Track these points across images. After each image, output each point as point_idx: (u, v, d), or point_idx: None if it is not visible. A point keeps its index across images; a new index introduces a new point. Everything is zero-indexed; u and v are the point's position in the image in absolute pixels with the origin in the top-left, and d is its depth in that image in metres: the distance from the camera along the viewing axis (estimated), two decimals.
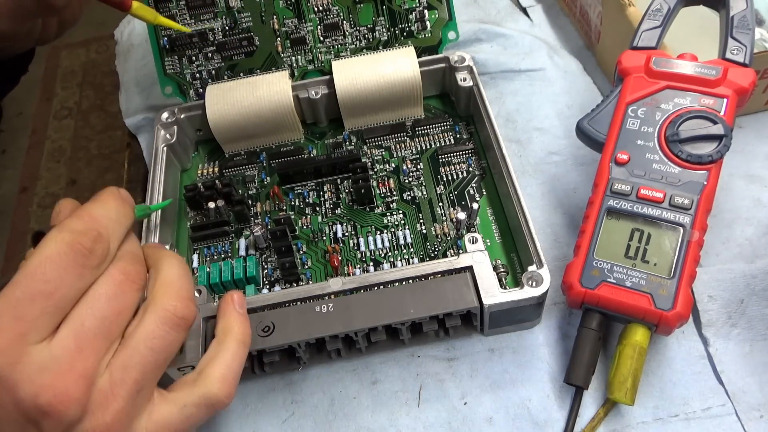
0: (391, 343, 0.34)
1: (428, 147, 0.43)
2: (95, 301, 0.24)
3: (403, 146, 0.43)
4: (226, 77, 0.45)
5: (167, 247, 0.36)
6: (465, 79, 0.42)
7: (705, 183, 0.31)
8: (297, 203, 0.41)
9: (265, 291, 0.37)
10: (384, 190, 0.41)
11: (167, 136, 0.42)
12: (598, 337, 0.31)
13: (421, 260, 0.37)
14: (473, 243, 0.34)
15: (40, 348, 0.23)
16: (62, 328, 0.23)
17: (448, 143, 0.43)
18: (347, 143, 0.44)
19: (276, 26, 0.44)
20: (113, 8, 0.37)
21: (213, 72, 0.44)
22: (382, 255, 0.38)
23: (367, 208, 0.40)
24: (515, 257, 0.36)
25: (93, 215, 0.25)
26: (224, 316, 0.30)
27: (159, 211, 0.37)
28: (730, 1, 0.35)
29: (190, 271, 0.38)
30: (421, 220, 0.39)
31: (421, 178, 0.41)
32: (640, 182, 0.32)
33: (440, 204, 0.40)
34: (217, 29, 0.44)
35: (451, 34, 0.44)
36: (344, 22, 0.44)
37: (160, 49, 0.44)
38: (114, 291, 0.24)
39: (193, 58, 0.44)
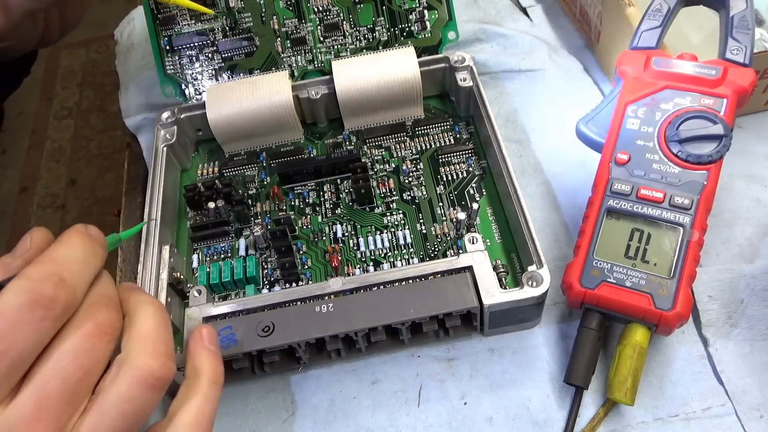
0: (391, 343, 0.34)
1: (428, 147, 0.43)
2: (61, 360, 0.22)
3: (403, 146, 0.43)
4: (226, 77, 0.45)
5: (166, 248, 0.36)
6: (465, 79, 0.42)
7: (705, 183, 0.31)
8: (297, 203, 0.41)
9: (265, 291, 0.37)
10: (384, 190, 0.41)
11: (167, 136, 0.42)
12: (598, 337, 0.31)
13: (421, 260, 0.37)
14: (473, 243, 0.34)
15: None
16: (22, 392, 0.21)
17: (448, 143, 0.43)
18: (347, 143, 0.44)
19: (276, 26, 0.44)
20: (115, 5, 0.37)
21: (213, 72, 0.44)
22: (382, 255, 0.38)
23: (367, 208, 0.40)
24: (515, 257, 0.36)
25: (55, 258, 0.23)
26: (192, 356, 0.27)
27: (159, 214, 0.37)
28: (730, 1, 0.35)
29: (189, 272, 0.38)
30: (421, 220, 0.39)
31: (421, 178, 0.41)
32: (640, 182, 0.32)
33: (440, 204, 0.39)
34: (217, 29, 0.44)
35: (451, 34, 0.44)
36: (344, 22, 0.44)
37: (160, 49, 0.44)
38: (82, 346, 0.22)
39: (193, 58, 0.44)
